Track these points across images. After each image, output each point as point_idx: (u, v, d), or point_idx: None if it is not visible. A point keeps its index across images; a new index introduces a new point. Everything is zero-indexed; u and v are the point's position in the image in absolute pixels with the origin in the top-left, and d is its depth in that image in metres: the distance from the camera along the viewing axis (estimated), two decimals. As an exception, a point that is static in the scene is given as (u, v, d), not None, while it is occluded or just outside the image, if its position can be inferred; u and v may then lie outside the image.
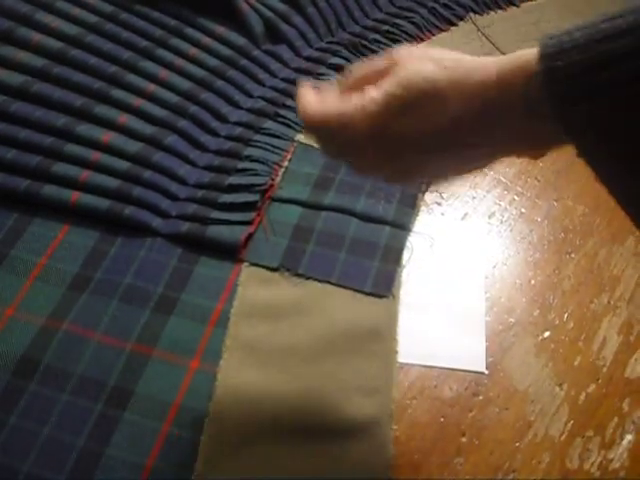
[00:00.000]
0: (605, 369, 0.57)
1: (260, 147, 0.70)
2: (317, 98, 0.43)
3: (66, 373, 0.55)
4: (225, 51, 0.79)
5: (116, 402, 0.54)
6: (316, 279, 0.61)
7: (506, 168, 0.71)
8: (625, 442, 0.53)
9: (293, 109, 0.74)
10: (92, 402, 0.54)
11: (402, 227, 0.65)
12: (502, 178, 0.70)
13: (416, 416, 0.54)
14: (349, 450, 0.51)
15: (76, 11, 0.81)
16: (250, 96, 0.76)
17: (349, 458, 0.51)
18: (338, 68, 0.78)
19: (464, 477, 0.51)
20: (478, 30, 0.84)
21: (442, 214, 0.67)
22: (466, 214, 0.67)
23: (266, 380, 0.55)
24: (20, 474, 0.50)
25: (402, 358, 0.57)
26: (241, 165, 0.68)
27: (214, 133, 0.72)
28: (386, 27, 0.83)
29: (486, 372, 0.56)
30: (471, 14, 0.86)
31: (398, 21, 0.83)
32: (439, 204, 0.68)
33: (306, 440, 0.51)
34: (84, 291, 0.61)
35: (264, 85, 0.77)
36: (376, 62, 0.42)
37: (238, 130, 0.72)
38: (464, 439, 0.53)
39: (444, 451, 0.52)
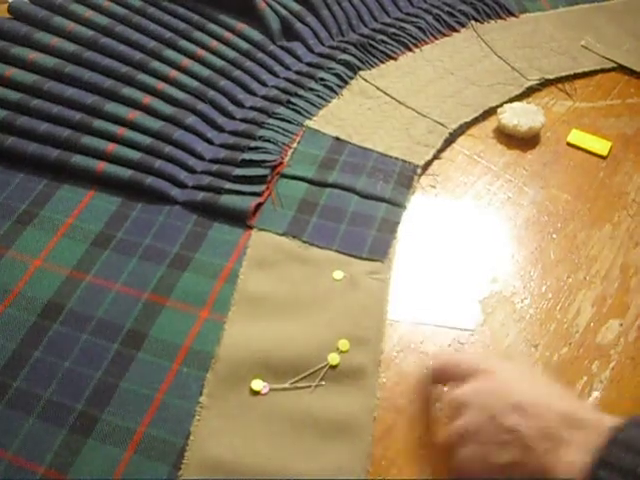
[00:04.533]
0: (578, 335, 0.62)
1: (272, 129, 0.77)
2: None
3: (87, 316, 0.61)
4: (244, 45, 0.86)
5: (131, 343, 0.60)
6: (318, 246, 0.67)
7: (497, 158, 0.77)
8: (592, 398, 0.58)
9: (304, 98, 0.81)
10: (110, 342, 0.60)
11: (398, 204, 0.71)
12: (492, 167, 0.76)
13: (402, 367, 0.59)
14: (338, 392, 0.57)
15: (107, 4, 0.88)
16: (265, 85, 0.83)
17: (338, 399, 0.56)
18: (346, 64, 0.85)
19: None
20: (478, 36, 0.90)
21: (435, 195, 0.73)
22: (457, 197, 0.73)
23: (268, 329, 0.60)
24: (42, 400, 0.56)
25: (392, 315, 0.62)
26: (254, 144, 0.74)
27: (230, 116, 0.79)
28: (393, 30, 0.89)
29: (472, 328, 0.62)
30: (472, 22, 0.93)
31: (404, 25, 0.90)
32: (433, 187, 0.74)
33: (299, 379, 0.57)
34: (106, 248, 0.67)
35: (278, 76, 0.84)
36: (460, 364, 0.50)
37: (252, 114, 0.78)
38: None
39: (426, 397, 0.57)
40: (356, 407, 0.56)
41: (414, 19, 0.91)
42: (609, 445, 0.41)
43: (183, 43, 0.85)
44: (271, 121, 0.78)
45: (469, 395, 0.48)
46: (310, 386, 0.57)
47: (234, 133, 0.77)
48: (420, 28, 0.90)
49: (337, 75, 0.84)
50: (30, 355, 0.58)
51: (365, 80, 0.84)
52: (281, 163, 0.74)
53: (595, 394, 0.58)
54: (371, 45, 0.87)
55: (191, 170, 0.73)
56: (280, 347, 0.59)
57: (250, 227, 0.68)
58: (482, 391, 0.47)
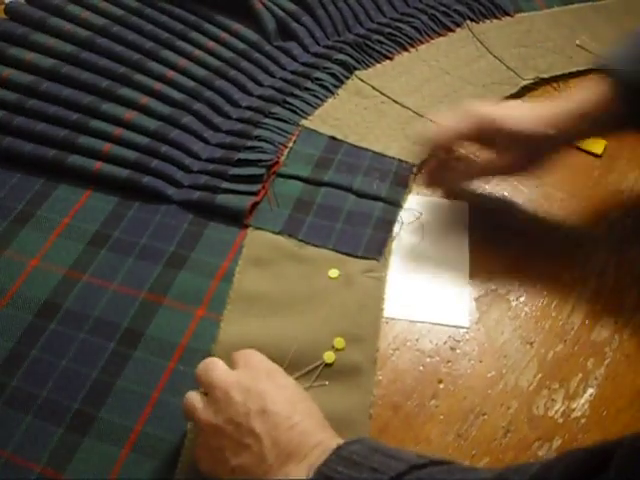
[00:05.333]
0: (573, 332, 0.63)
1: (268, 129, 0.77)
2: None
3: (84, 316, 0.62)
4: (240, 45, 0.86)
5: (128, 341, 0.60)
6: (314, 245, 0.67)
7: (492, 157, 0.77)
8: (587, 395, 0.58)
9: (300, 97, 0.81)
10: (106, 341, 0.60)
11: (394, 203, 0.71)
12: (488, 166, 0.76)
13: (398, 364, 0.60)
14: (334, 390, 0.57)
15: (104, 4, 0.88)
16: (261, 85, 0.83)
17: (334, 396, 0.56)
18: (342, 63, 0.85)
19: (438, 417, 0.56)
20: (473, 36, 0.91)
21: (431, 194, 0.73)
22: (453, 195, 0.73)
23: (264, 327, 0.60)
24: (39, 398, 0.56)
25: (388, 313, 0.63)
26: (250, 143, 0.75)
27: (227, 116, 0.79)
28: (389, 30, 0.90)
29: (468, 326, 0.62)
30: (468, 21, 0.93)
31: (400, 25, 0.90)
32: (430, 185, 0.74)
33: (296, 377, 0.57)
34: (103, 247, 0.67)
35: (274, 76, 0.84)
36: None
37: (248, 114, 0.79)
38: (441, 385, 0.58)
39: (422, 395, 0.58)
40: (352, 405, 0.56)
41: (410, 19, 0.92)
42: (330, 461, 0.42)
43: (180, 44, 0.85)
44: (267, 120, 0.78)
45: (226, 385, 0.48)
46: (310, 387, 0.57)
47: (230, 132, 0.77)
48: (416, 28, 0.91)
49: (333, 75, 0.84)
50: (27, 354, 0.59)
51: (361, 80, 0.84)
52: (277, 162, 0.74)
53: (590, 391, 0.59)
54: (367, 45, 0.88)
55: (187, 169, 0.73)
56: (276, 345, 0.59)
57: (246, 226, 0.69)
58: (238, 386, 0.48)
